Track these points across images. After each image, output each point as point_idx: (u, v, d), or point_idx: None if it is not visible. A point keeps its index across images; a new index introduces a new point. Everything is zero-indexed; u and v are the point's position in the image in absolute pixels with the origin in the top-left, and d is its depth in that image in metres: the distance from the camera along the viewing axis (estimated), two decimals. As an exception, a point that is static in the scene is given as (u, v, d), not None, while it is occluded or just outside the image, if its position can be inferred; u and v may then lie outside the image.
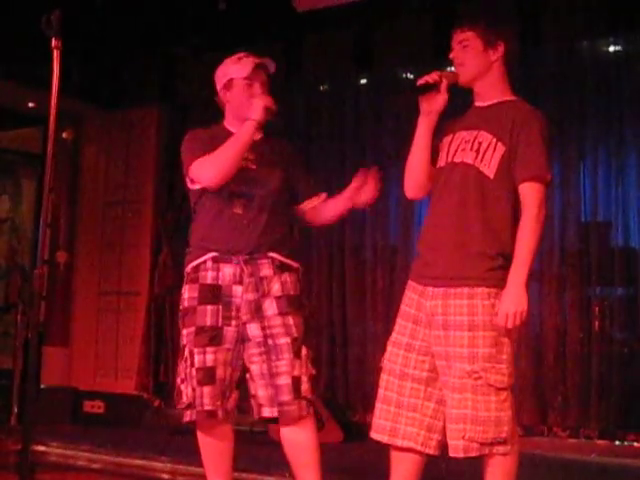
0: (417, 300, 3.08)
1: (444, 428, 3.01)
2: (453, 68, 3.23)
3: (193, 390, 3.37)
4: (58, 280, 7.45)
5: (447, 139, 3.17)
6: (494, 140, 3.02)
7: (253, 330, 3.43)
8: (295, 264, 3.55)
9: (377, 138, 6.46)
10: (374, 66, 6.34)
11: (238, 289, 3.43)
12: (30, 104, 7.26)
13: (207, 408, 3.36)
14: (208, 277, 3.45)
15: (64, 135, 7.45)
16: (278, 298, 3.44)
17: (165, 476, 5.03)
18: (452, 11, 5.76)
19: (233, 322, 3.42)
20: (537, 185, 2.98)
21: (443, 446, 3.05)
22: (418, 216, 6.01)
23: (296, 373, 3.39)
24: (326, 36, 6.40)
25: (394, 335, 3.13)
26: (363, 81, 6.71)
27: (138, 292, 7.24)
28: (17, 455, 4.44)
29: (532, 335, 5.74)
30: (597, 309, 5.64)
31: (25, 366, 6.29)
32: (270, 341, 3.41)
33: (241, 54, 3.61)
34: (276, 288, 3.45)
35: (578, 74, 5.82)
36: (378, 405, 3.11)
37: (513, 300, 2.93)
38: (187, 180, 3.55)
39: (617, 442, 5.38)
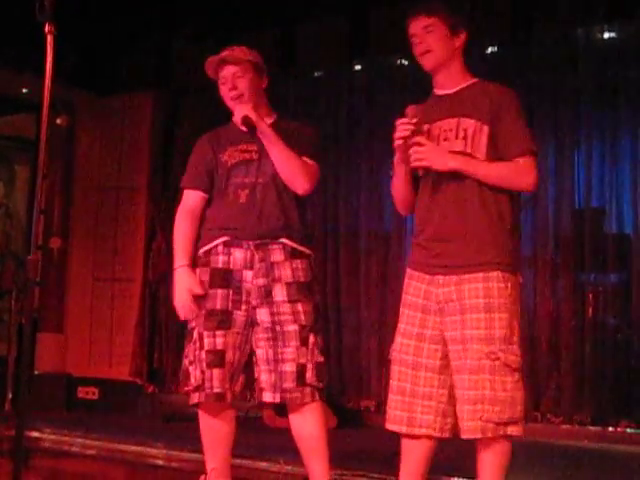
0: (425, 289, 3.09)
1: (455, 411, 3.03)
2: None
3: (202, 372, 3.40)
4: (52, 266, 7.42)
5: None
6: (479, 124, 3.06)
7: (262, 315, 3.45)
8: (307, 250, 3.56)
9: (371, 124, 6.45)
10: (369, 52, 6.33)
11: (249, 274, 3.45)
12: (24, 90, 7.22)
13: (216, 391, 3.40)
14: (219, 261, 3.49)
15: (58, 121, 7.42)
16: (288, 284, 3.45)
17: (159, 462, 5.04)
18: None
19: (243, 306, 3.45)
20: (530, 158, 3.07)
21: (455, 429, 3.08)
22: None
23: (302, 361, 3.40)
24: (321, 22, 6.39)
25: (402, 326, 3.13)
26: (358, 67, 6.70)
27: (132, 278, 7.24)
28: (11, 441, 4.44)
29: (525, 321, 5.75)
30: (590, 295, 5.65)
31: (19, 352, 6.30)
32: (278, 327, 3.42)
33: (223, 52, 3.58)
34: (287, 274, 3.46)
35: (572, 61, 5.81)
36: (391, 396, 3.12)
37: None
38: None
39: (610, 428, 5.40)
